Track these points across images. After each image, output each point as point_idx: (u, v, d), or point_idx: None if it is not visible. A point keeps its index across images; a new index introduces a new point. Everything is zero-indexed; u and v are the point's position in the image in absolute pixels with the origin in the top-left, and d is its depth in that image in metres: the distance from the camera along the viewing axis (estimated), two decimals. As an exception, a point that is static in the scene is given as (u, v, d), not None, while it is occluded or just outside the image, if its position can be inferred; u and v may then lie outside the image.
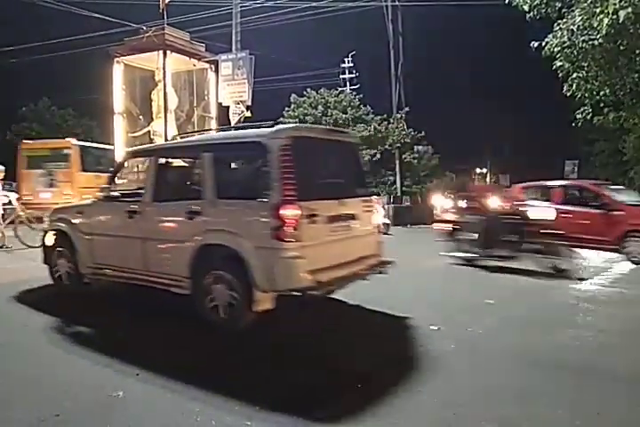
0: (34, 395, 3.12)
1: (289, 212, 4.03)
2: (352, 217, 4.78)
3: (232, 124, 13.18)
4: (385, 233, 8.49)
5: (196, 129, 15.05)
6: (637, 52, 11.87)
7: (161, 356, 3.84)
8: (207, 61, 14.62)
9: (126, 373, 3.44)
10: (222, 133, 5.43)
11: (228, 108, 13.26)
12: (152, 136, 14.29)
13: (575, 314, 5.24)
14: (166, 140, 13.76)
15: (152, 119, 14.27)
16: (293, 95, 26.82)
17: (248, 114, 13.08)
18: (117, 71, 14.27)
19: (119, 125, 14.18)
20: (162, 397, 3.07)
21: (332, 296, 5.02)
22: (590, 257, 9.02)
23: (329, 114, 25.83)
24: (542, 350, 3.97)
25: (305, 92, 26.95)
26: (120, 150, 13.36)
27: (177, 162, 5.74)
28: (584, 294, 6.22)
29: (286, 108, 26.77)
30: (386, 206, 19.19)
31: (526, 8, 12.85)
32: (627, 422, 2.75)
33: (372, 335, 4.40)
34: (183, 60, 14.33)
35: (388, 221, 15.46)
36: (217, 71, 13.54)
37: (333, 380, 3.35)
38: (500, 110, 45.79)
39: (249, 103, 12.98)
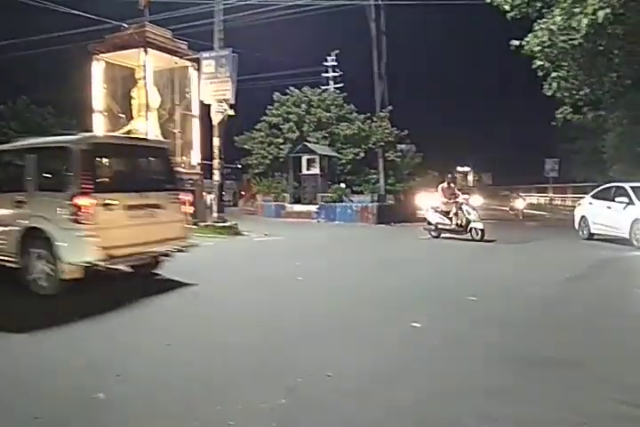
0: None
1: (83, 201, 5.25)
2: (156, 207, 6.03)
3: (214, 123, 13.09)
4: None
5: (179, 127, 14.98)
6: (616, 52, 12.09)
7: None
8: (189, 59, 14.50)
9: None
10: (42, 139, 6.38)
11: (210, 106, 13.14)
12: (133, 135, 14.11)
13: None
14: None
15: (133, 118, 14.12)
16: (276, 93, 26.73)
17: (231, 112, 12.99)
18: (97, 69, 14.09)
19: (99, 124, 14.01)
20: None
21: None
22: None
23: (312, 112, 25.79)
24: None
25: (288, 91, 26.88)
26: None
27: (14, 160, 6.59)
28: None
29: (269, 107, 26.66)
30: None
31: (507, 7, 12.99)
32: (615, 420, 2.79)
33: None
34: (165, 57, 14.19)
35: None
36: (199, 69, 13.42)
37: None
38: (484, 109, 46.20)
39: (232, 102, 12.88)
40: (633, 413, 2.84)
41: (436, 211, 12.43)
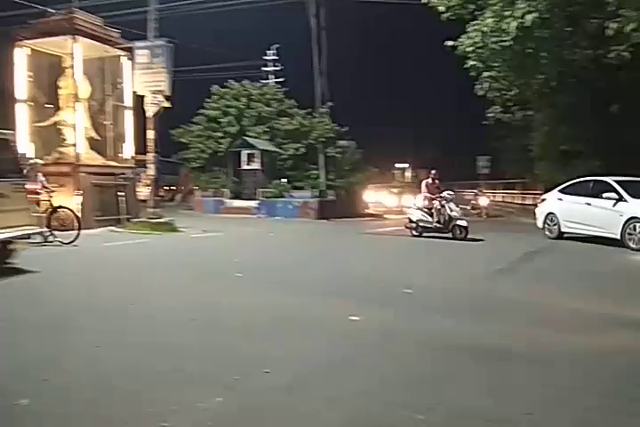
0: None
1: None
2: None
3: (149, 115, 12.63)
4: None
5: (110, 119, 14.32)
6: (543, 54, 12.72)
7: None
8: (122, 48, 13.88)
9: None
10: None
11: (144, 97, 12.66)
12: (60, 126, 13.39)
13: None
14: (75, 130, 13.00)
15: (61, 108, 13.38)
16: (215, 86, 26.17)
17: (167, 104, 12.58)
18: (20, 56, 13.20)
19: (23, 115, 13.15)
20: None
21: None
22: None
23: (252, 106, 25.48)
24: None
25: (227, 84, 26.39)
26: (24, 141, 12.41)
27: None
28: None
29: (207, 100, 26.07)
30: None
31: (442, 9, 13.39)
32: (536, 403, 2.92)
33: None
34: (95, 46, 13.51)
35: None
36: (133, 59, 12.89)
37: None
38: (421, 107, 47.51)
39: (168, 93, 12.48)
40: (571, 397, 2.98)
41: (418, 208, 11.81)
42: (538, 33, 11.67)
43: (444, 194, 11.40)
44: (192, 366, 3.41)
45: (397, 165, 51.40)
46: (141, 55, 12.53)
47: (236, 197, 21.52)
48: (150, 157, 12.92)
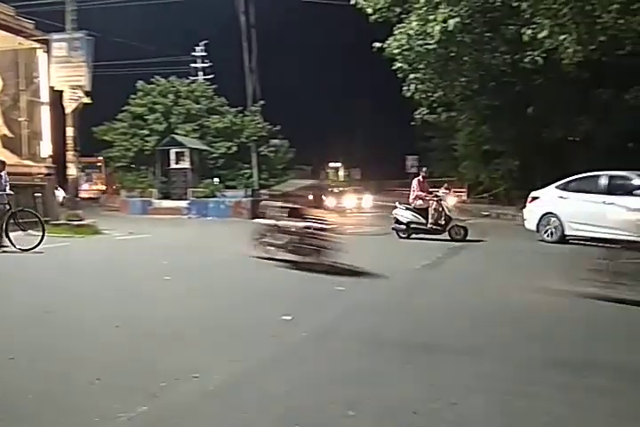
0: None
1: None
2: None
3: (67, 111, 11.93)
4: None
5: (25, 116, 13.40)
6: (465, 58, 13.30)
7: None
8: (37, 40, 13.02)
9: None
10: None
11: (62, 93, 11.96)
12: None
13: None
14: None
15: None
16: (140, 82, 25.22)
17: (87, 100, 11.95)
18: None
19: None
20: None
21: None
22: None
23: (180, 103, 24.80)
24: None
25: (154, 80, 25.51)
26: None
27: None
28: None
29: (133, 96, 25.09)
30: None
31: (370, 11, 13.66)
32: (468, 392, 3.03)
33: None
34: (6, 37, 12.58)
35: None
36: (49, 52, 12.13)
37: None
38: (354, 107, 48.28)
39: (88, 89, 11.85)
40: (494, 386, 3.10)
41: (407, 208, 11.00)
42: (460, 37, 12.19)
43: (440, 192, 10.83)
44: (115, 374, 3.25)
45: (331, 164, 52.01)
46: (59, 48, 11.82)
47: (165, 197, 20.85)
48: (70, 155, 12.23)
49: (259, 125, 24.80)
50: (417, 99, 14.77)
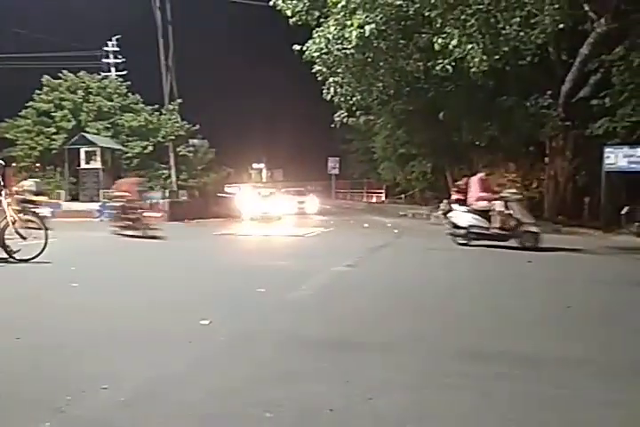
0: None
1: None
2: None
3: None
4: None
5: None
6: (381, 64, 13.69)
7: None
8: None
9: None
10: None
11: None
12: None
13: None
14: None
15: None
16: (46, 77, 23.61)
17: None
18: None
19: None
20: None
21: None
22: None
23: (91, 100, 23.50)
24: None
25: (61, 75, 23.99)
26: None
27: None
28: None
29: (38, 92, 23.43)
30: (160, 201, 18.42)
31: (289, 13, 13.71)
32: (383, 387, 3.11)
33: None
34: None
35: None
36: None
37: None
38: (273, 108, 48.16)
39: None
40: (409, 380, 3.21)
41: (468, 210, 9.84)
42: (376, 43, 12.53)
43: (506, 193, 9.63)
44: (16, 389, 3.01)
45: (254, 166, 51.64)
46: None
47: (74, 199, 19.68)
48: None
49: (177, 124, 24.06)
50: (336, 102, 15.00)
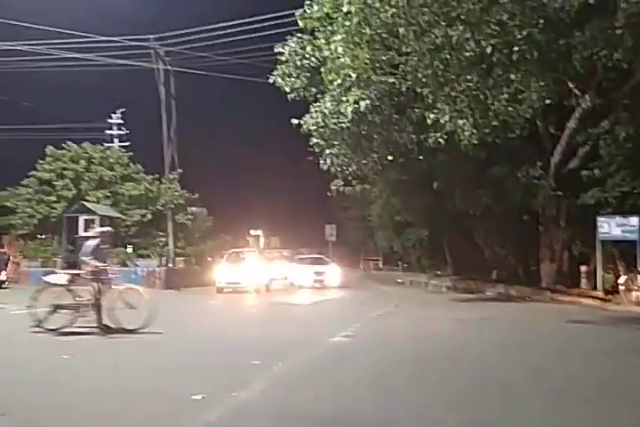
0: None
1: None
2: None
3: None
4: None
5: None
6: (376, 136, 14.23)
7: None
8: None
9: None
10: None
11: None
12: None
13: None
14: None
15: None
16: (50, 147, 24.36)
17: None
18: None
19: None
20: None
21: None
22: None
23: (93, 170, 24.07)
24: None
25: (65, 145, 24.77)
26: None
27: None
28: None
29: (41, 161, 24.07)
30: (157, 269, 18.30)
31: (287, 89, 14.49)
32: None
33: None
34: None
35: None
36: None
37: None
38: (271, 177, 49.32)
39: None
40: None
41: None
42: (370, 117, 13.11)
43: None
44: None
45: (252, 232, 51.82)
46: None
47: (71, 266, 19.52)
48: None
49: (176, 193, 24.49)
50: (333, 172, 15.42)
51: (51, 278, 8.22)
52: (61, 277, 8.24)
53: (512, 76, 11.47)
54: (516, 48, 10.73)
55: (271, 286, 18.36)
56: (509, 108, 12.15)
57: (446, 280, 19.71)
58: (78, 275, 7.96)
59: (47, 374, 5.17)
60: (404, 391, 4.62)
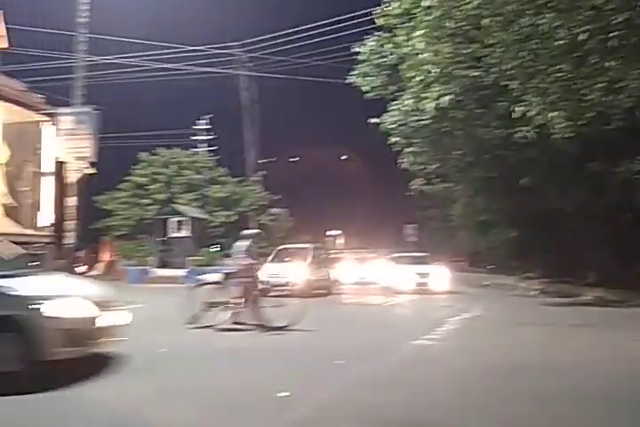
0: None
1: None
2: None
3: (71, 181, 12.19)
4: None
5: (29, 186, 13.65)
6: (457, 133, 13.78)
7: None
8: (45, 114, 13.59)
9: None
10: None
11: (65, 164, 12.31)
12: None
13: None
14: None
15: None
16: (143, 153, 26.01)
17: (92, 170, 12.26)
18: None
19: None
20: None
21: None
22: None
23: (182, 174, 25.38)
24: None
25: (156, 151, 26.33)
26: None
27: None
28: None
29: (135, 167, 25.76)
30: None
31: (366, 88, 14.42)
32: None
33: None
34: (16, 110, 13.14)
35: None
36: (56, 125, 12.63)
37: None
38: (353, 178, 49.40)
39: (93, 159, 12.20)
40: None
41: None
42: (453, 113, 12.69)
43: None
44: None
45: (328, 233, 52.24)
46: (65, 121, 12.34)
47: (164, 265, 20.70)
48: (70, 224, 12.31)
49: (259, 195, 25.22)
50: (413, 171, 15.13)
51: (206, 278, 8.56)
52: (216, 276, 8.52)
53: (608, 64, 10.60)
54: (612, 34, 9.90)
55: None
56: (606, 99, 11.25)
57: (536, 283, 18.64)
58: (231, 273, 8.10)
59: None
60: (484, 403, 4.35)
